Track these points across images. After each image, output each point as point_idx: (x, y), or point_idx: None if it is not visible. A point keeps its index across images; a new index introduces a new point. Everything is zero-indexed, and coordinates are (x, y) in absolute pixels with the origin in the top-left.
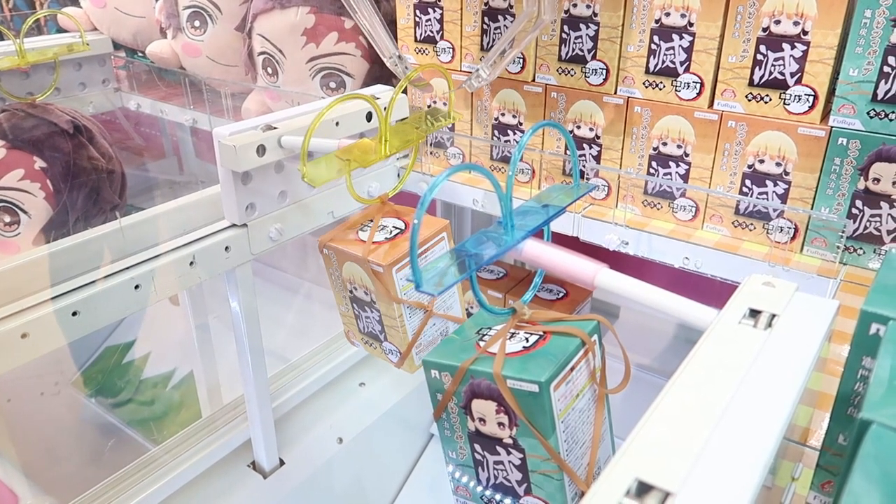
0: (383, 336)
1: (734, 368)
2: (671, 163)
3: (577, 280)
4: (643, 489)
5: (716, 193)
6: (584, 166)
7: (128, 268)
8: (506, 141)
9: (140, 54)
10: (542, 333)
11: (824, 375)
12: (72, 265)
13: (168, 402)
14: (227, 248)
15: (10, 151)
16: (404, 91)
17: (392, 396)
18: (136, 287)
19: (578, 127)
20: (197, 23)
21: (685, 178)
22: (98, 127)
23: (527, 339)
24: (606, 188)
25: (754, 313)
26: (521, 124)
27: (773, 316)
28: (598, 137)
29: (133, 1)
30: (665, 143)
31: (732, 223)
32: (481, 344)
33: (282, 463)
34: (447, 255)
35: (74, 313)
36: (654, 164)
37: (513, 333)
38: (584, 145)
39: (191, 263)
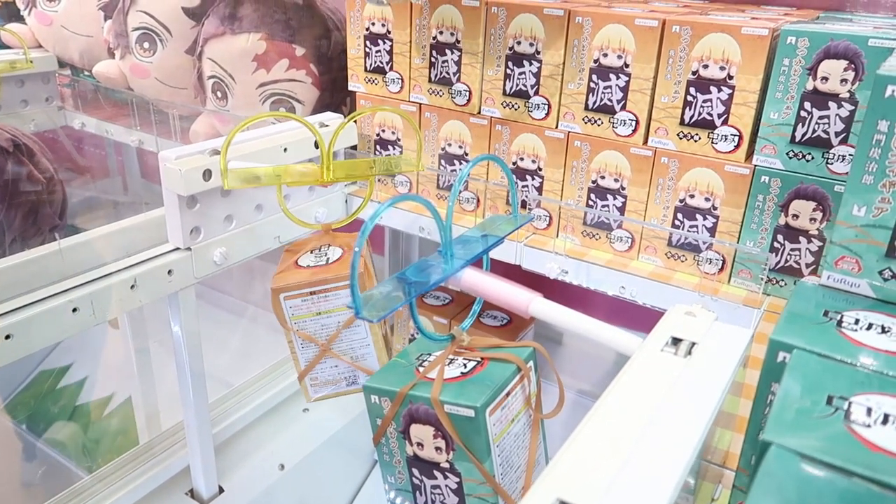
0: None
1: (654, 393)
2: (609, 195)
3: (512, 308)
4: None
5: (650, 226)
6: (526, 197)
7: (65, 290)
8: (452, 171)
9: (86, 73)
10: (479, 359)
11: (742, 400)
12: (7, 287)
13: (104, 429)
14: (169, 272)
15: None
16: (345, 114)
17: (336, 422)
18: (74, 310)
19: (521, 159)
20: (146, 44)
21: (622, 210)
22: (39, 145)
23: (465, 365)
24: (548, 218)
25: (676, 341)
26: (466, 154)
27: (693, 344)
28: (541, 169)
29: (80, 20)
30: (603, 177)
31: (665, 254)
32: (421, 370)
33: (221, 490)
34: (388, 282)
35: (7, 336)
36: (592, 196)
37: (451, 359)
38: (527, 177)
39: (132, 287)
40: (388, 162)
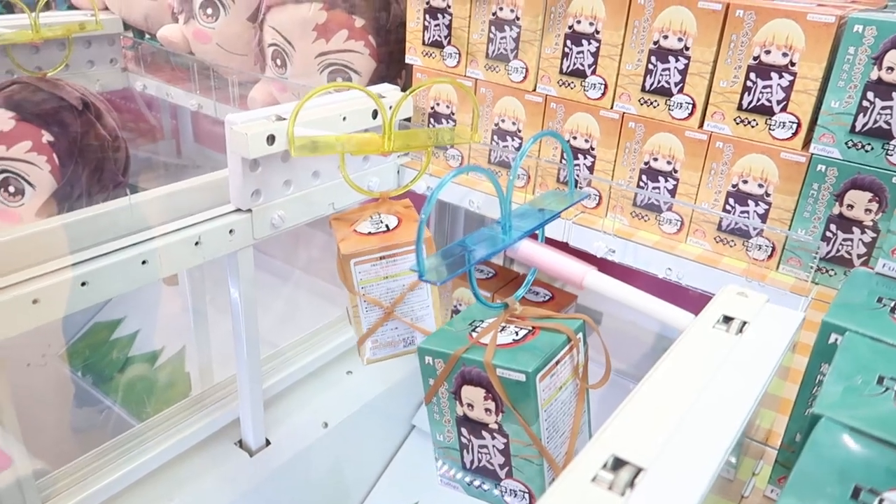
0: (350, 319)
1: (706, 366)
2: (660, 178)
3: (566, 280)
4: (618, 464)
5: (701, 209)
6: (577, 175)
7: (137, 243)
8: (504, 146)
9: (149, 37)
10: (531, 328)
11: (786, 383)
12: (81, 237)
13: (154, 381)
14: (231, 231)
15: (19, 123)
16: (401, 87)
17: (378, 386)
18: (144, 262)
19: (574, 138)
20: (209, 10)
21: (673, 193)
22: (105, 105)
23: (517, 333)
24: (598, 198)
25: (727, 319)
26: (519, 131)
27: (745, 323)
28: (593, 149)
29: None
30: (656, 159)
31: (714, 238)
32: (473, 335)
33: (268, 443)
34: (449, 249)
35: (83, 283)
36: (644, 177)
37: (504, 327)
38: (579, 155)
39: (196, 243)
40: (444, 133)
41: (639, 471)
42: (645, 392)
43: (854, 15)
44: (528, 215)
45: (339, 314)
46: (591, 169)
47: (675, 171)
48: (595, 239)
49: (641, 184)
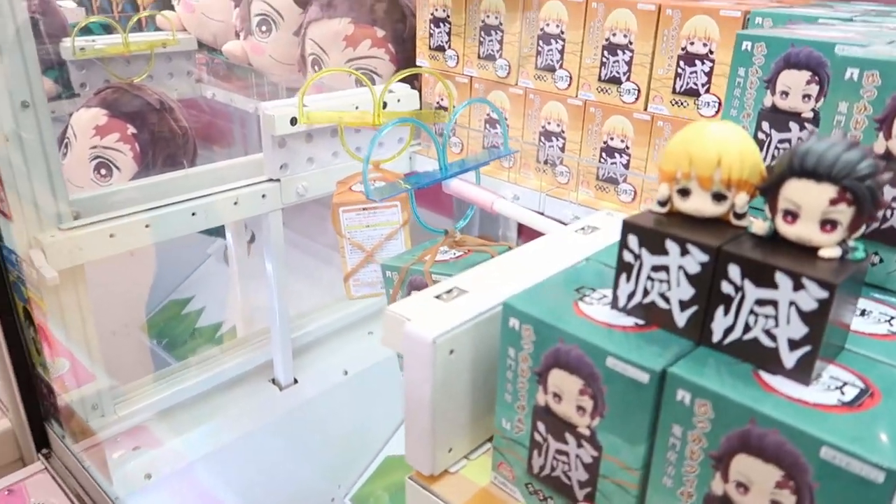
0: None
1: (550, 249)
2: (616, 154)
3: (481, 206)
4: (457, 291)
5: (650, 179)
6: (549, 155)
7: (189, 199)
8: (494, 132)
9: (218, 52)
10: (466, 251)
11: None
12: (149, 195)
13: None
14: (263, 196)
15: (110, 119)
16: (418, 88)
17: None
18: (193, 214)
19: (549, 123)
20: (264, 27)
21: (627, 167)
22: (179, 107)
23: (454, 254)
24: (568, 174)
25: (586, 228)
26: (507, 119)
27: (595, 228)
28: (563, 132)
29: (216, 7)
30: (612, 139)
31: None
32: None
33: (296, 381)
34: (393, 183)
35: (147, 225)
36: (604, 154)
37: (446, 251)
38: (553, 138)
39: (234, 203)
40: (426, 114)
41: (465, 293)
42: (501, 258)
43: (756, 10)
44: (465, 163)
45: None
46: (562, 149)
47: (628, 148)
48: (564, 208)
49: (602, 160)
